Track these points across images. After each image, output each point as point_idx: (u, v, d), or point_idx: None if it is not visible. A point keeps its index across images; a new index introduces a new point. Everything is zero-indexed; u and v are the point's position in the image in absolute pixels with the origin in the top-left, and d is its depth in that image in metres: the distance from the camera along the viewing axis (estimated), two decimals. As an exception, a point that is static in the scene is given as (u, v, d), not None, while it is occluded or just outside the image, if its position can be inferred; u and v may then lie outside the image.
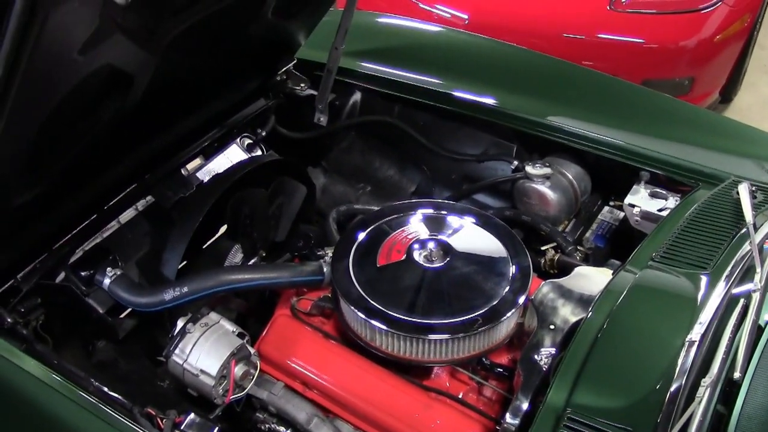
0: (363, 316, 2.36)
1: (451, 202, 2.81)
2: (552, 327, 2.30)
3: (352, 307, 2.38)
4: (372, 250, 2.54)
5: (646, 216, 2.81)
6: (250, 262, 2.91)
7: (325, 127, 3.40)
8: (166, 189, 2.88)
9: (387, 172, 3.42)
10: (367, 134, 3.49)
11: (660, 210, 2.80)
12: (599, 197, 3.21)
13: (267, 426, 2.53)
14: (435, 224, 2.63)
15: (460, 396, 2.45)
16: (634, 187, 2.90)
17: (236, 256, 2.89)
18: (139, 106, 2.52)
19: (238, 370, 2.41)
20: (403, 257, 2.50)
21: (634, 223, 2.85)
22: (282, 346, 2.56)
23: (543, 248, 2.94)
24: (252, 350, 2.46)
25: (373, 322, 2.34)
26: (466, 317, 2.35)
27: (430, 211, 2.70)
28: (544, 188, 3.02)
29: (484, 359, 2.44)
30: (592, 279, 2.46)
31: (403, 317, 2.35)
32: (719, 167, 2.86)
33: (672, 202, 2.82)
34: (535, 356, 2.24)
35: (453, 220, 2.66)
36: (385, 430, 2.42)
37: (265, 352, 2.56)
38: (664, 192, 2.86)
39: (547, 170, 3.00)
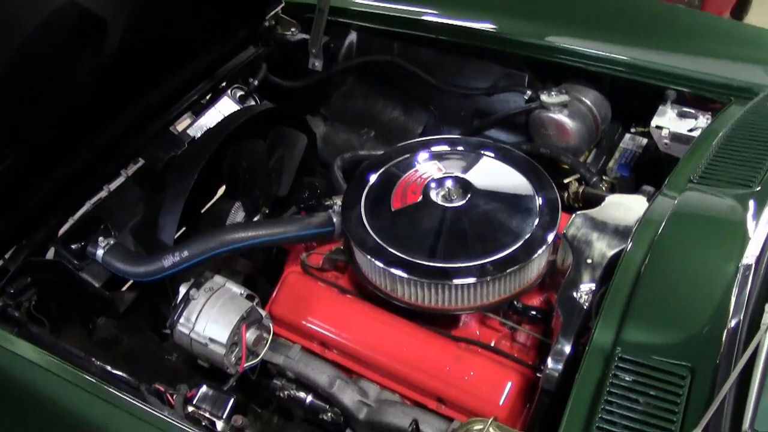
0: (381, 265, 2.13)
1: (465, 137, 2.55)
2: (589, 261, 2.07)
3: (369, 257, 2.15)
4: (384, 194, 2.30)
5: (677, 138, 2.56)
6: (251, 220, 2.68)
7: (321, 73, 3.15)
8: (156, 150, 2.64)
9: (391, 114, 3.17)
10: (367, 76, 3.23)
11: (691, 130, 2.55)
12: (619, 125, 2.96)
13: (286, 393, 2.32)
14: (450, 161, 2.39)
15: (492, 344, 2.23)
16: (660, 108, 2.65)
17: (237, 215, 2.65)
18: (119, 59, 2.27)
19: (250, 335, 2.18)
20: (420, 198, 2.26)
21: (663, 146, 2.60)
22: (295, 305, 2.33)
23: (566, 181, 2.70)
24: (263, 312, 2.24)
25: (393, 271, 2.11)
26: (494, 258, 2.12)
27: (443, 148, 2.45)
28: (561, 117, 2.77)
29: (515, 302, 2.21)
30: (626, 208, 2.22)
31: (425, 263, 2.11)
32: (751, 79, 2.60)
33: (703, 121, 2.57)
34: (574, 294, 2.01)
35: (469, 155, 2.41)
36: (415, 387, 2.21)
37: (278, 313, 2.34)
38: (693, 111, 2.61)
39: (564, 97, 2.75)
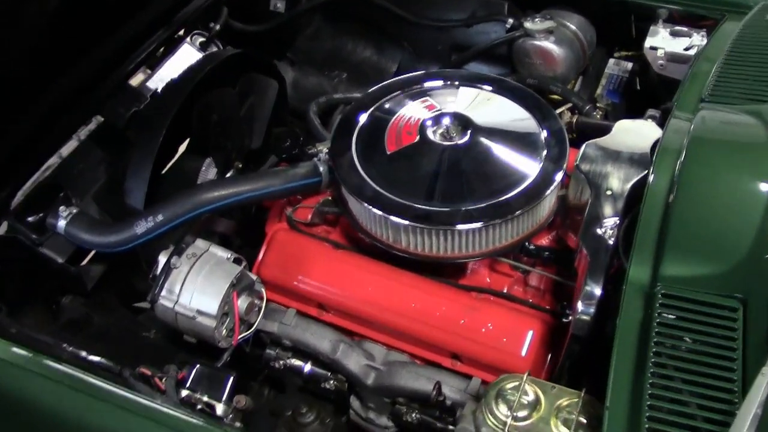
0: (380, 213, 1.88)
1: (455, 69, 2.30)
2: (609, 193, 1.84)
3: (366, 204, 1.90)
4: (376, 137, 2.03)
5: (673, 58, 2.35)
6: (228, 176, 2.40)
7: (284, 14, 2.86)
8: (116, 105, 2.33)
9: (363, 54, 2.89)
10: (334, 15, 2.93)
11: (687, 49, 2.36)
12: (604, 50, 2.73)
13: (282, 362, 2.07)
14: (443, 97, 2.13)
15: (504, 291, 2.01)
16: (652, 28, 2.43)
17: (209, 172, 2.37)
18: (65, 5, 1.96)
19: (242, 303, 1.93)
20: (417, 139, 2.00)
21: (658, 68, 2.39)
22: (286, 265, 2.07)
23: (558, 111, 2.46)
24: (254, 277, 1.97)
25: (394, 219, 1.87)
26: (503, 198, 1.88)
27: (432, 83, 2.19)
28: (548, 44, 2.53)
29: (527, 244, 1.99)
30: (638, 134, 1.99)
31: (428, 208, 1.87)
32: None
33: (698, 38, 2.37)
34: (598, 230, 1.79)
35: (463, 89, 2.16)
36: (426, 344, 1.98)
37: (267, 276, 2.07)
38: (685, 29, 2.40)
39: (549, 23, 2.51)
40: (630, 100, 2.61)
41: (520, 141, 2.01)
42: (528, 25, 2.51)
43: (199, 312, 1.88)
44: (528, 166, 1.94)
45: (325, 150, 2.14)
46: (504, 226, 1.89)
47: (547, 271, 2.00)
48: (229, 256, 1.96)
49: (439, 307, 1.95)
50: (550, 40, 2.52)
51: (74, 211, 2.06)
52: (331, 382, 2.05)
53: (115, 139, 2.32)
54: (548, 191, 1.90)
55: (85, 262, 2.24)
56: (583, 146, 1.94)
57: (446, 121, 2.03)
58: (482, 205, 1.87)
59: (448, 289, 1.99)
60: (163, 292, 1.90)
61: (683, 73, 2.31)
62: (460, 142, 1.98)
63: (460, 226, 1.85)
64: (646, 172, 1.84)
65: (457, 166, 1.96)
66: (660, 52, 2.35)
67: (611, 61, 2.70)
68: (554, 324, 1.94)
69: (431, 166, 1.95)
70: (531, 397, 1.63)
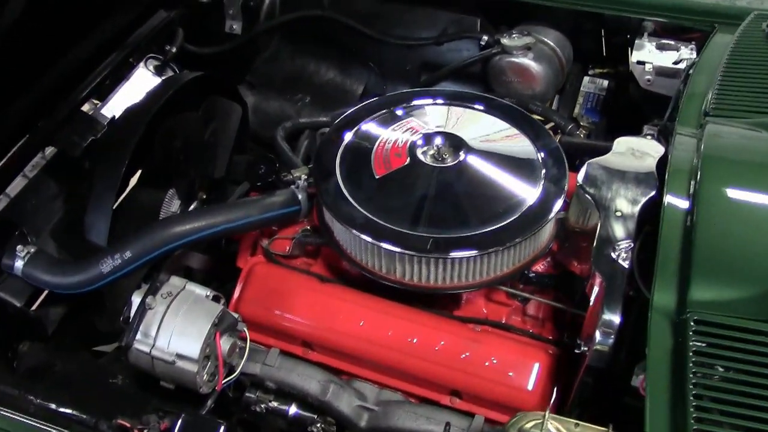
0: (371, 240, 1.74)
1: (439, 88, 2.18)
2: (619, 215, 1.74)
3: (356, 232, 1.76)
4: (362, 160, 1.90)
5: (661, 72, 2.28)
6: (191, 208, 2.23)
7: (241, 36, 2.70)
8: (70, 134, 2.14)
9: (326, 75, 2.75)
10: (294, 36, 2.79)
11: (676, 63, 2.28)
12: (578, 67, 2.65)
13: (263, 406, 1.89)
14: (429, 117, 2.01)
15: (503, 321, 1.89)
16: (637, 42, 2.36)
17: (172, 204, 2.19)
18: (12, 29, 1.78)
19: (224, 344, 1.75)
20: (407, 161, 1.87)
21: (645, 83, 2.31)
22: (267, 301, 1.91)
23: (538, 131, 2.37)
24: (235, 315, 1.80)
25: (386, 246, 1.74)
26: (504, 224, 1.76)
27: (418, 102, 2.07)
28: (526, 61, 2.43)
29: (526, 272, 1.87)
30: (639, 152, 1.89)
31: (422, 234, 1.75)
32: (734, 1, 2.35)
33: (686, 51, 2.30)
34: (612, 254, 1.68)
35: (451, 108, 2.04)
36: (424, 380, 1.84)
37: (246, 313, 1.90)
38: (673, 42, 2.33)
39: (527, 39, 2.42)
40: (609, 118, 2.53)
41: (516, 161, 1.90)
42: (505, 41, 2.41)
43: (179, 356, 1.70)
44: (526, 189, 1.84)
45: (304, 176, 1.99)
46: (505, 253, 1.78)
47: (546, 299, 1.88)
48: (208, 293, 1.79)
49: (437, 340, 1.81)
50: (529, 56, 2.42)
51: (32, 250, 1.87)
52: (319, 425, 1.88)
53: (70, 171, 2.13)
54: (551, 215, 1.79)
55: (36, 304, 2.03)
56: (585, 166, 1.84)
57: (437, 141, 1.91)
58: (480, 231, 1.76)
59: (446, 321, 1.86)
60: (138, 336, 1.72)
61: (671, 88, 2.25)
62: (453, 163, 1.87)
63: (457, 254, 1.73)
64: (655, 191, 1.76)
65: (451, 190, 1.84)
66: (648, 67, 2.28)
67: (586, 79, 2.62)
68: (558, 355, 1.82)
69: (424, 190, 1.83)
70: (554, 436, 1.51)
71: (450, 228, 1.75)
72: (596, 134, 2.45)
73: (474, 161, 1.87)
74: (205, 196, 2.29)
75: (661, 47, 2.31)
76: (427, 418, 1.79)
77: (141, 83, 2.39)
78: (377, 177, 1.85)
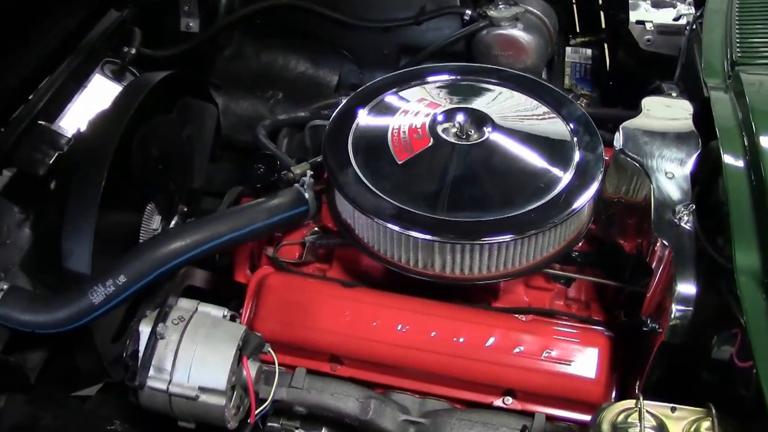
0: (405, 230, 1.53)
1: (445, 64, 1.95)
2: (670, 176, 1.56)
3: (386, 224, 1.54)
4: (378, 146, 1.67)
5: (663, 30, 2.13)
6: (172, 224, 1.96)
7: (199, 34, 2.44)
8: (30, 152, 1.84)
9: (297, 68, 2.51)
10: (257, 29, 2.53)
11: (676, 19, 2.13)
12: (561, 37, 2.48)
13: (291, 433, 1.65)
14: (443, 95, 1.80)
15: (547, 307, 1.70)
16: (631, 2, 2.21)
17: (152, 220, 1.92)
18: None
19: (251, 368, 1.50)
20: (431, 142, 1.65)
21: (645, 44, 2.16)
22: (286, 315, 1.66)
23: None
24: (259, 335, 1.55)
25: (423, 236, 1.52)
26: (546, 200, 1.57)
27: (425, 80, 1.85)
28: (516, 32, 2.25)
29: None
30: (669, 109, 1.74)
31: (463, 220, 1.53)
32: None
33: (684, 8, 2.18)
34: (673, 217, 1.49)
35: (462, 84, 1.83)
36: (472, 383, 1.62)
37: (264, 331, 1.62)
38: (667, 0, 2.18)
39: (516, 9, 2.24)
40: (602, 87, 2.37)
41: (546, 132, 1.71)
42: (492, 13, 2.22)
43: (203, 389, 1.44)
44: (563, 160, 1.64)
45: (309, 173, 1.76)
46: (551, 232, 1.58)
47: (589, 277, 1.70)
48: (225, 313, 1.53)
49: (486, 337, 1.60)
50: (518, 27, 2.24)
51: (4, 287, 1.58)
52: (355, 449, 1.66)
53: (34, 193, 1.84)
54: (595, 185, 1.60)
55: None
56: (621, 130, 1.66)
57: (459, 117, 1.70)
58: (524, 210, 1.55)
59: (491, 315, 1.65)
60: (151, 372, 1.45)
61: (672, 47, 2.10)
62: (481, 140, 1.66)
63: (504, 238, 1.52)
64: (700, 149, 1.59)
65: (484, 169, 1.64)
66: (648, 26, 2.13)
67: (568, 49, 2.46)
68: (612, 337, 1.63)
69: (455, 172, 1.62)
70: (653, 423, 1.31)
71: (490, 211, 1.55)
72: (592, 103, 2.29)
73: (502, 136, 1.66)
74: (186, 209, 2.03)
75: (656, 5, 2.19)
76: (484, 424, 1.58)
77: (99, 91, 2.10)
78: (400, 162, 1.62)
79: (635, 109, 1.73)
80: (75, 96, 2.06)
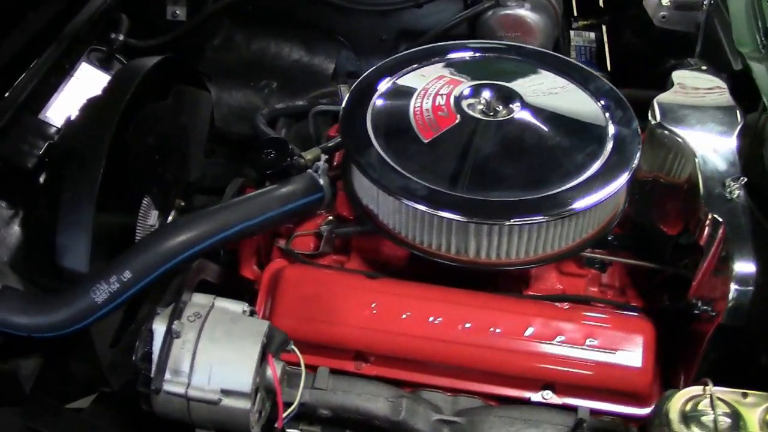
0: (439, 213, 1.39)
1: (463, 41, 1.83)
2: (714, 150, 1.45)
3: (418, 206, 1.40)
4: (400, 125, 1.54)
5: (680, 5, 2.01)
6: (170, 219, 1.80)
7: (186, 23, 2.28)
8: (17, 143, 1.68)
9: (291, 56, 2.36)
10: (247, 16, 2.38)
11: (695, -7, 2.03)
12: (564, 21, 2.37)
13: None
14: (465, 71, 1.67)
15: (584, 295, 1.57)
16: None
17: (149, 215, 1.76)
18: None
19: (278, 368, 1.35)
20: (458, 119, 1.52)
21: (660, 20, 2.04)
22: (308, 310, 1.50)
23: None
24: (283, 332, 1.40)
25: (460, 218, 1.39)
26: (589, 175, 1.45)
27: (445, 56, 1.72)
28: (523, 12, 2.13)
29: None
30: (701, 82, 1.64)
31: (502, 199, 1.41)
32: None
33: None
34: (723, 191, 1.38)
35: (485, 61, 1.71)
36: (511, 377, 1.48)
37: (284, 328, 1.47)
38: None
39: (522, -13, 2.11)
40: (610, 69, 2.27)
41: (576, 109, 1.58)
42: (499, -8, 2.10)
43: (226, 392, 1.29)
44: (598, 137, 1.52)
45: (324, 157, 1.62)
46: (591, 213, 1.47)
47: (631, 260, 1.58)
48: (244, 308, 1.38)
49: (524, 326, 1.46)
50: (525, 7, 2.12)
51: (-3, 287, 1.41)
52: (382, 453, 1.51)
53: (22, 187, 1.67)
54: (634, 161, 1.48)
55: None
56: (656, 105, 1.55)
57: (485, 94, 1.57)
58: (565, 188, 1.43)
59: (528, 303, 1.52)
60: (167, 376, 1.29)
61: (688, 23, 2.00)
62: (510, 117, 1.53)
63: (542, 218, 1.40)
64: (743, 121, 1.49)
65: (518, 146, 1.51)
66: (665, 1, 2.00)
67: (571, 33, 2.36)
68: (654, 324, 1.51)
69: (487, 149, 1.49)
70: (727, 410, 1.19)
71: (527, 190, 1.42)
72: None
73: (531, 112, 1.54)
74: (183, 204, 1.87)
75: (673, -21, 2.06)
76: (525, 421, 1.44)
77: (87, 80, 1.93)
78: (426, 141, 1.49)
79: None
80: (62, 85, 1.89)
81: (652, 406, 1.47)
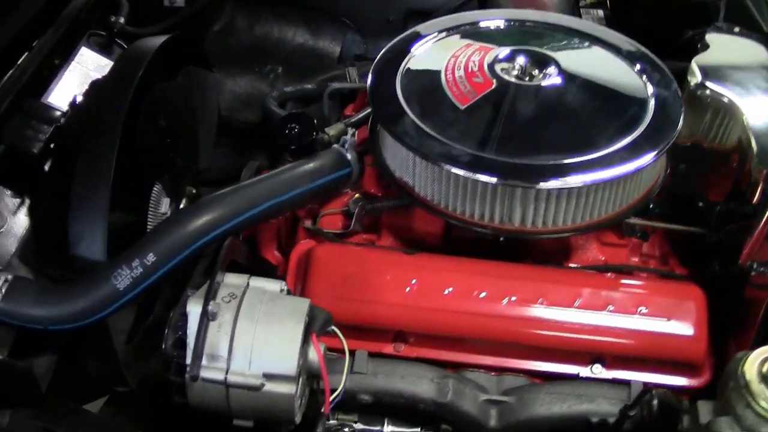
0: (486, 178, 1.31)
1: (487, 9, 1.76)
2: (763, 107, 1.38)
3: (464, 172, 1.31)
4: (433, 93, 1.45)
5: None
6: (182, 206, 1.70)
7: (184, 8, 2.17)
8: (21, 128, 1.56)
9: (295, 40, 2.26)
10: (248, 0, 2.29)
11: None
12: None
13: (351, 429, 1.40)
14: (493, 38, 1.59)
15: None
16: None
17: (161, 203, 1.66)
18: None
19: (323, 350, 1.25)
20: (494, 84, 1.44)
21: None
22: (345, 290, 1.40)
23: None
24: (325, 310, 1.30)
25: (505, 182, 1.31)
26: (635, 136, 1.37)
27: (469, 24, 1.64)
28: (539, -17, 2.05)
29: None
30: (736, 45, 1.57)
31: (552, 163, 1.33)
32: None
33: None
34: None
35: (512, 28, 1.63)
36: (559, 351, 1.40)
37: None
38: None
39: (534, -40, 2.04)
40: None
41: (613, 73, 1.51)
42: (510, -35, 2.02)
43: (268, 376, 1.18)
44: (639, 99, 1.45)
45: (351, 131, 1.53)
46: (638, 177, 1.40)
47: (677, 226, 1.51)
48: (282, 287, 1.28)
49: (572, 297, 1.38)
50: (539, -20, 2.04)
51: (9, 278, 1.30)
52: (428, 440, 1.41)
53: (27, 175, 1.56)
54: (678, 122, 1.41)
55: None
56: (694, 66, 1.48)
57: (520, 59, 1.49)
58: (612, 150, 1.35)
59: (575, 273, 1.44)
60: (204, 362, 1.19)
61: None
62: (548, 81, 1.45)
63: (594, 177, 1.32)
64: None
65: (558, 110, 1.43)
66: (685, -32, 1.94)
67: (582, 10, 2.28)
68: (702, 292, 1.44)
69: (528, 114, 1.41)
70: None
71: (572, 153, 1.34)
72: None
73: (568, 76, 1.46)
74: (194, 191, 1.77)
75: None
76: (578, 397, 1.35)
77: (88, 64, 1.82)
78: (463, 107, 1.41)
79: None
80: (63, 69, 1.78)
81: (705, 377, 1.42)
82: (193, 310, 1.20)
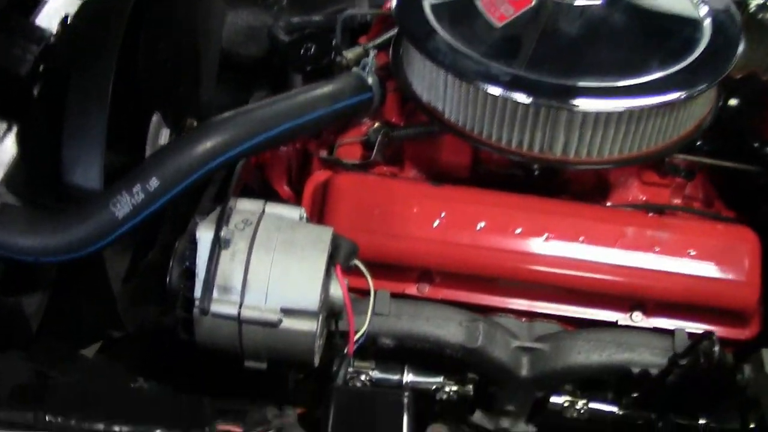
0: (530, 99, 1.17)
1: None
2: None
3: (504, 91, 1.18)
4: (465, 11, 1.31)
5: None
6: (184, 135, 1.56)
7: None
8: (8, 47, 1.41)
9: (300, -30, 2.12)
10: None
11: None
12: None
13: (365, 379, 1.28)
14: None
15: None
16: None
17: (160, 134, 1.52)
18: None
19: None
20: (533, 1, 1.30)
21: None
22: (365, 223, 1.26)
23: None
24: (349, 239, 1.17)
25: (552, 103, 1.18)
26: (695, 57, 1.25)
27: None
28: None
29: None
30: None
31: (599, 85, 1.20)
32: None
33: None
34: None
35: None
36: (598, 295, 1.28)
37: None
38: None
39: None
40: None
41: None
42: None
43: (287, 311, 1.05)
44: (693, 21, 1.32)
45: (373, 52, 1.39)
46: (690, 105, 1.27)
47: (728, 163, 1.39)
48: (302, 213, 1.15)
49: (615, 236, 1.26)
50: None
51: (-2, 204, 1.16)
52: (451, 389, 1.29)
53: (14, 97, 1.41)
54: (738, 46, 1.28)
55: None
56: None
57: (559, -23, 1.35)
58: (667, 73, 1.22)
59: (617, 211, 1.32)
60: (215, 295, 1.06)
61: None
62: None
63: (646, 102, 1.19)
64: None
65: (605, 30, 1.29)
66: None
67: None
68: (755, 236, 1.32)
69: (570, 33, 1.27)
70: None
71: (623, 75, 1.21)
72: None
73: (615, -2, 1.33)
74: (195, 124, 1.63)
75: None
76: (618, 345, 1.24)
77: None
78: (499, 25, 1.27)
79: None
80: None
81: (753, 328, 1.31)
82: (204, 236, 1.06)
